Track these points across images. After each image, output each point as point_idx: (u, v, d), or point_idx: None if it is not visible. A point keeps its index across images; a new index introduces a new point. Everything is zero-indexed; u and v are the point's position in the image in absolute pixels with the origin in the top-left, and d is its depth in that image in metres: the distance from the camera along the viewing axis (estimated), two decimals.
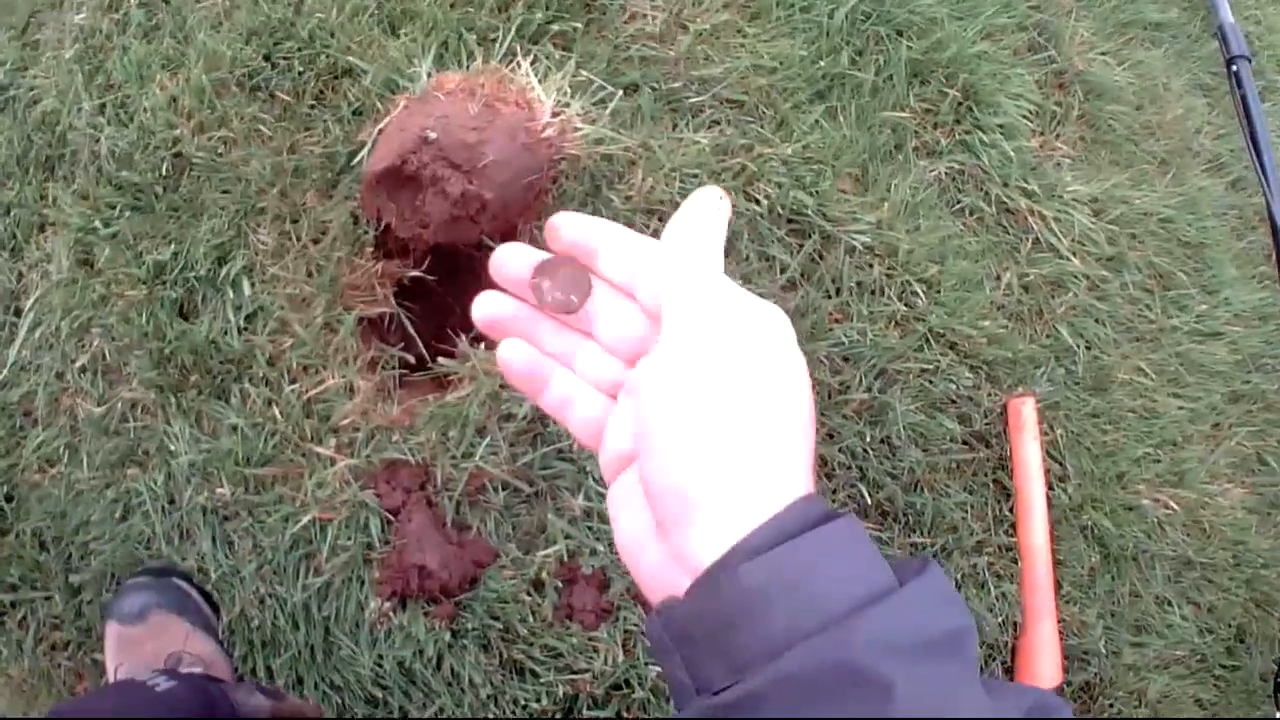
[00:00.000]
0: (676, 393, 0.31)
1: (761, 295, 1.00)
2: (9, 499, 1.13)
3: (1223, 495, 1.21)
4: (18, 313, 1.16)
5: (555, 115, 1.02)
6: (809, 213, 1.03)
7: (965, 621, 0.28)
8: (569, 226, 0.36)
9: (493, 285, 0.38)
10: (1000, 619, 1.08)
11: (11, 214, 1.18)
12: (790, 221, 1.04)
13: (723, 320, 0.32)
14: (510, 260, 0.37)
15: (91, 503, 1.09)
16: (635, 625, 0.99)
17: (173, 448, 1.06)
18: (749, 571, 0.27)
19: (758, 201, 1.03)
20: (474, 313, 0.37)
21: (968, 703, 0.26)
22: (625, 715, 1.00)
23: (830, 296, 1.03)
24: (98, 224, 1.11)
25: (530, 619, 0.98)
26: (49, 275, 1.14)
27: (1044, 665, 1.09)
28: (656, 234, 1.02)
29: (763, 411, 0.30)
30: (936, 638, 0.27)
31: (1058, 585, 1.10)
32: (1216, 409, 1.21)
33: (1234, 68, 1.25)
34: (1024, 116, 1.15)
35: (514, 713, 0.99)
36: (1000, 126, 1.12)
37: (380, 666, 1.00)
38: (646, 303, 0.35)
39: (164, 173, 1.10)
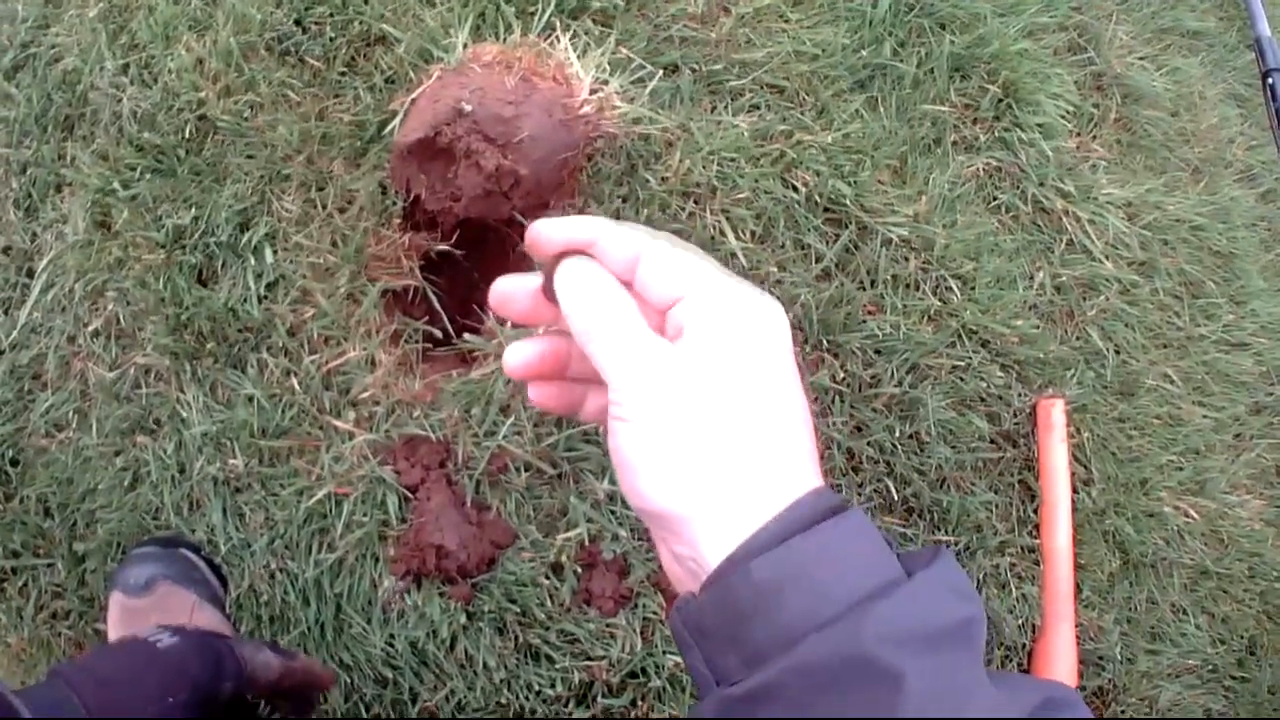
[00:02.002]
0: (660, 405, 0.30)
1: (795, 284, 0.98)
2: (14, 463, 1.10)
3: (1242, 506, 1.21)
4: (30, 274, 1.13)
5: (593, 92, 1.00)
6: (847, 202, 1.01)
7: (974, 611, 0.28)
8: (553, 231, 0.35)
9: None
10: (1020, 621, 1.07)
11: (28, 173, 1.15)
12: (827, 210, 1.02)
13: (711, 317, 0.31)
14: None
15: (99, 470, 1.06)
16: (655, 613, 0.97)
17: (185, 416, 1.03)
18: (760, 566, 0.28)
19: (795, 189, 1.01)
20: (505, 365, 0.37)
21: (977, 693, 0.27)
22: (640, 704, 0.98)
23: (865, 288, 1.02)
24: (117, 185, 1.08)
25: (548, 603, 0.97)
26: (64, 236, 1.11)
27: (1060, 669, 1.08)
28: (692, 216, 1.00)
29: (757, 408, 0.30)
30: (946, 627, 0.27)
31: (1078, 589, 1.10)
32: (1239, 420, 1.21)
33: (1269, 80, 1.25)
34: (1062, 116, 1.14)
35: (527, 698, 0.97)
36: (1039, 125, 1.11)
37: (392, 646, 0.98)
38: (646, 293, 0.34)
39: (187, 135, 1.07)
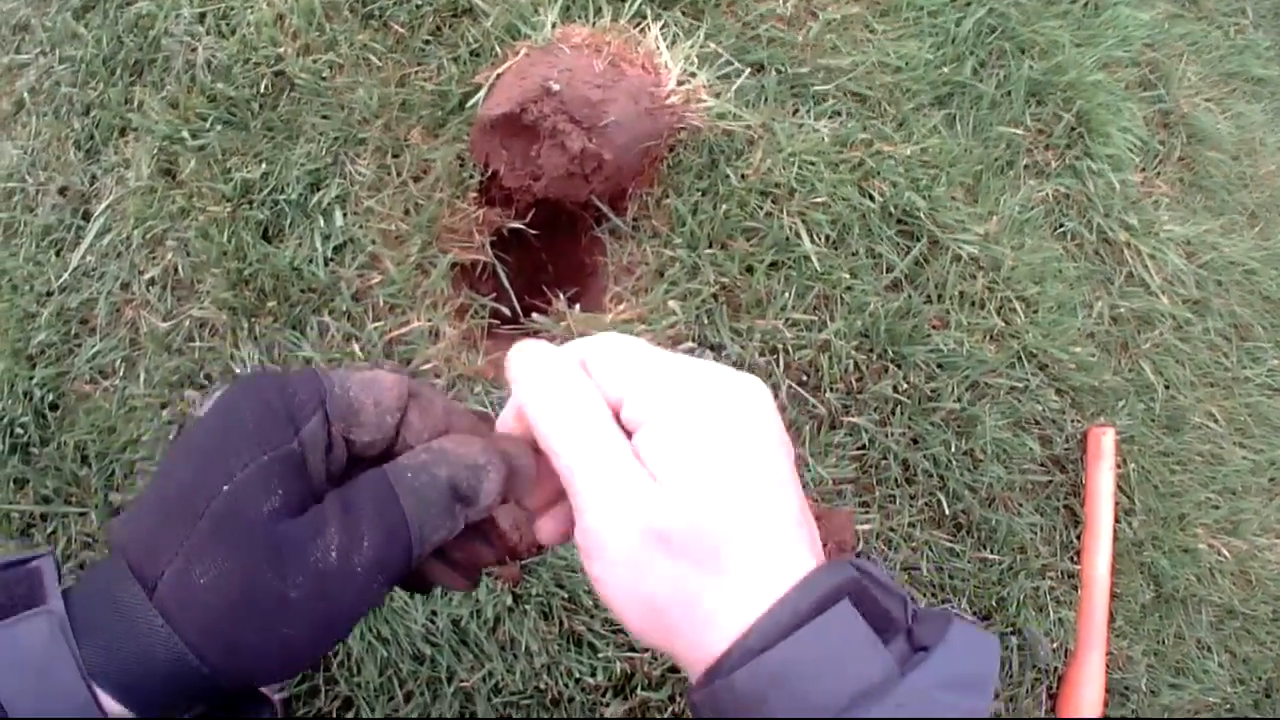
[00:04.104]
0: (628, 540, 0.29)
1: (866, 292, 0.98)
2: (53, 407, 1.08)
3: (1271, 550, 1.22)
4: (86, 216, 1.11)
5: (680, 84, 1.00)
6: (920, 216, 1.02)
7: (972, 704, 0.27)
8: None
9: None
10: (1055, 645, 1.07)
11: (91, 114, 1.13)
12: (901, 222, 1.03)
13: (666, 413, 0.30)
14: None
15: (144, 421, 1.04)
16: None
17: (239, 373, 1.02)
18: (742, 677, 0.27)
19: (872, 198, 1.02)
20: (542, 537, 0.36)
21: None
22: (678, 699, 0.98)
23: (932, 302, 1.02)
24: (185, 134, 1.06)
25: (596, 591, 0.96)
26: (125, 181, 1.09)
27: (1088, 696, 1.09)
28: (769, 216, 0.99)
29: (740, 496, 0.29)
30: None
31: (1111, 618, 1.10)
32: (1276, 464, 1.22)
33: None
34: (1130, 150, 1.16)
35: (566, 684, 0.96)
36: (1109, 157, 1.12)
37: (433, 622, 0.97)
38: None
39: (262, 90, 1.06)
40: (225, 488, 0.28)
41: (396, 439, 0.32)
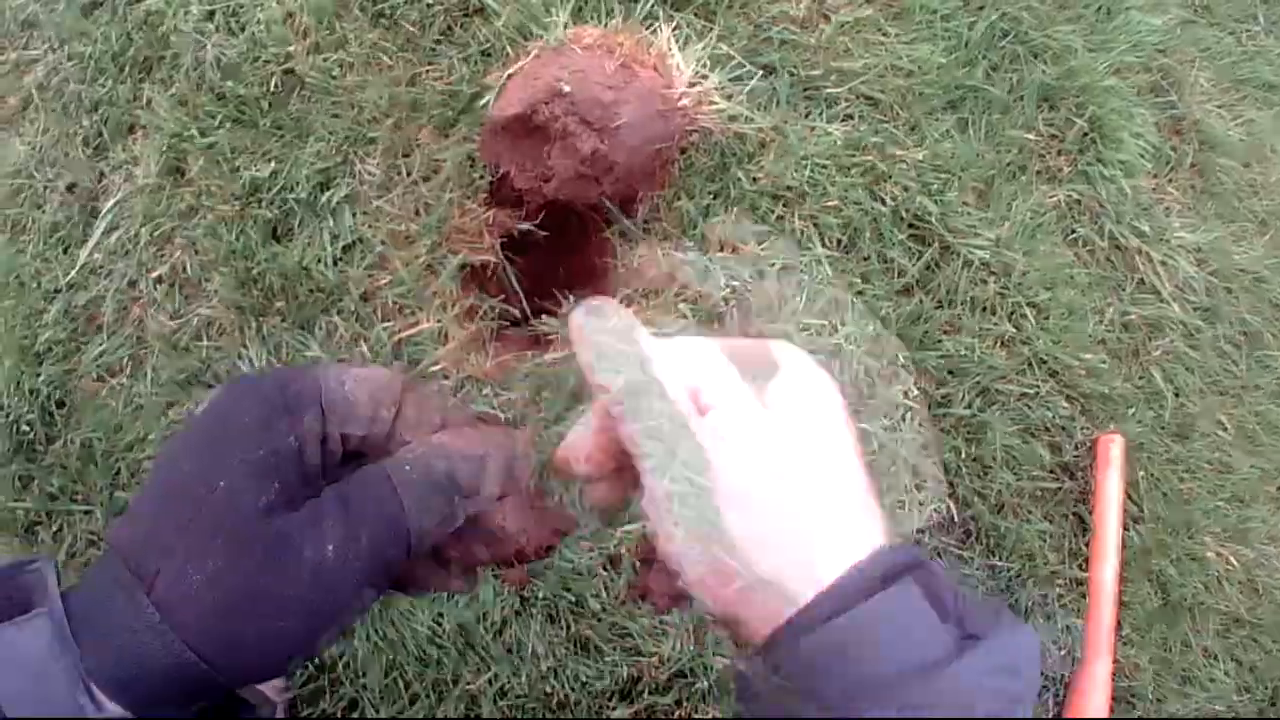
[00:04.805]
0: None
1: (877, 297, 0.97)
2: (60, 405, 1.08)
3: (1279, 558, 1.22)
4: (94, 214, 1.10)
5: (692, 85, 0.99)
6: (932, 220, 1.01)
7: (1018, 690, 0.27)
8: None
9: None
10: (1063, 652, 1.07)
11: (100, 111, 1.12)
12: (912, 227, 1.02)
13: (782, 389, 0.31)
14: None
15: (151, 420, 1.04)
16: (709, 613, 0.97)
17: (246, 373, 1.01)
18: (809, 644, 0.28)
19: (883, 202, 1.01)
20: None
21: None
22: (685, 704, 0.97)
23: (943, 307, 1.02)
24: (194, 132, 1.06)
25: (603, 595, 0.96)
26: (134, 179, 1.09)
27: (1095, 703, 1.09)
28: (780, 219, 0.99)
29: (814, 471, 0.30)
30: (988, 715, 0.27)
31: (1119, 626, 1.10)
32: None
33: None
34: (1141, 156, 1.15)
35: (573, 689, 0.96)
36: (1121, 163, 1.12)
37: (438, 625, 0.96)
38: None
39: (272, 88, 1.06)
40: (221, 483, 0.28)
41: (392, 435, 0.32)
